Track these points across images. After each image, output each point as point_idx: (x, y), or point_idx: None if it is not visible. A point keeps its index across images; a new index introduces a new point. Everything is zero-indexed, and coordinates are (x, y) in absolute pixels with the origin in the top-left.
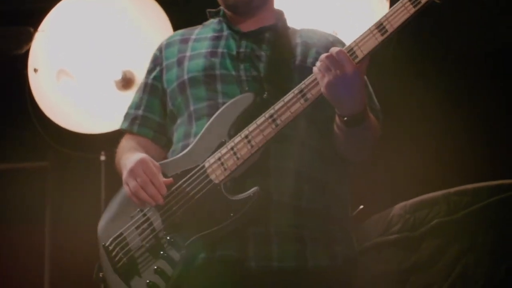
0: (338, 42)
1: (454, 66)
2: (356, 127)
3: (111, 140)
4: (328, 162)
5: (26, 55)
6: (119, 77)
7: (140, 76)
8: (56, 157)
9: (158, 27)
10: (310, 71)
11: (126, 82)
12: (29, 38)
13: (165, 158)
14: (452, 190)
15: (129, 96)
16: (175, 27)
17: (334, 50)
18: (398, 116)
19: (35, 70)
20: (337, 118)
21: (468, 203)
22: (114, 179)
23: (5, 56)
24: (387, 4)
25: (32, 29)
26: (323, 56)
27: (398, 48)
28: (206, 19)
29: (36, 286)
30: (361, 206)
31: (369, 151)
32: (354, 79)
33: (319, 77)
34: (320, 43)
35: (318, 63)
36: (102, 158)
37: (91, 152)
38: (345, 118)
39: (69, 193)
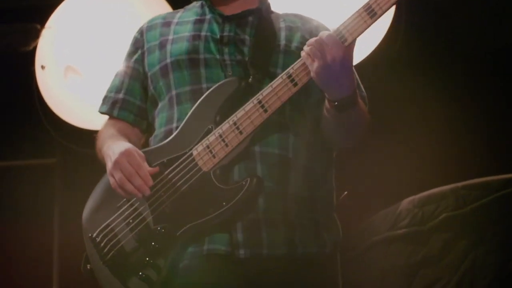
0: (322, 27)
1: (461, 61)
2: (346, 111)
3: None
4: (313, 149)
5: (33, 52)
6: None
7: None
8: (64, 154)
9: None
10: (295, 55)
11: None
12: (36, 35)
13: (145, 143)
14: (460, 184)
15: None
16: None
17: (324, 34)
18: (406, 111)
19: (43, 67)
20: (327, 103)
21: (477, 197)
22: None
23: (13, 53)
24: None
25: (39, 26)
26: (312, 40)
27: (404, 45)
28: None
29: (45, 282)
30: (346, 192)
31: (358, 137)
32: (344, 63)
33: (308, 61)
34: (304, 28)
35: (306, 48)
36: None
37: None
38: (336, 103)
39: (77, 189)
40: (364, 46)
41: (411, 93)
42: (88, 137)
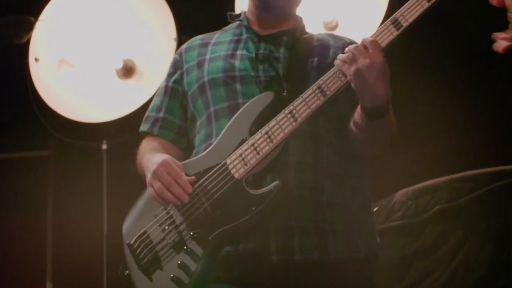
0: (354, 42)
1: (454, 54)
2: (379, 120)
3: (112, 128)
4: (346, 157)
5: (27, 44)
6: (120, 65)
7: (140, 64)
8: (57, 147)
9: (159, 16)
10: (328, 70)
11: (127, 70)
12: (29, 27)
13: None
14: (454, 176)
15: (130, 84)
16: (176, 16)
17: (366, 39)
18: (399, 104)
19: (36, 60)
20: (359, 111)
21: (470, 189)
22: (116, 168)
23: (6, 45)
24: None
25: (32, 19)
26: (351, 46)
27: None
28: (204, 8)
29: (39, 275)
30: (383, 202)
31: (383, 147)
32: (383, 68)
33: (344, 67)
34: (337, 45)
35: (341, 56)
36: (104, 147)
37: (92, 141)
38: (368, 109)
39: (71, 182)
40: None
41: (404, 87)
42: (82, 129)
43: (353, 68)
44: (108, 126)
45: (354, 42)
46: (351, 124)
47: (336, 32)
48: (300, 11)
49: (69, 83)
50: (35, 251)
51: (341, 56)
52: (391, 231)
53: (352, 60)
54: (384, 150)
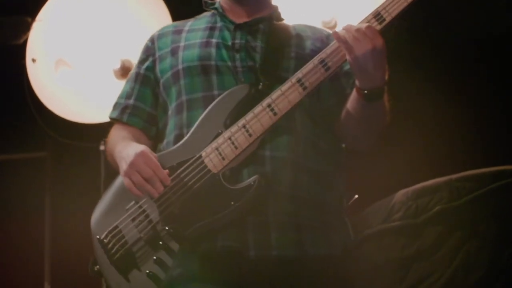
0: (332, 35)
1: (453, 54)
2: (376, 101)
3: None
4: (323, 153)
5: (24, 45)
6: (117, 66)
7: None
8: (55, 147)
9: (156, 16)
10: (306, 62)
11: (124, 71)
12: (26, 28)
13: (154, 149)
14: (454, 176)
15: None
16: (173, 15)
17: (364, 25)
18: (399, 103)
19: (33, 60)
20: (355, 95)
21: (471, 189)
22: (114, 169)
23: (3, 46)
24: None
25: (29, 19)
26: (351, 27)
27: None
28: (202, 8)
29: (36, 276)
30: (356, 196)
31: (376, 134)
32: (384, 51)
33: (345, 47)
34: (315, 36)
35: (344, 33)
36: (102, 147)
37: (90, 141)
38: (366, 92)
39: (69, 183)
40: None
41: (404, 86)
42: (79, 130)
43: (355, 51)
44: (106, 127)
45: (331, 35)
46: (343, 115)
47: None
48: (299, 10)
49: (67, 83)
50: (33, 252)
51: (343, 33)
52: (391, 231)
53: (356, 41)
54: (374, 143)
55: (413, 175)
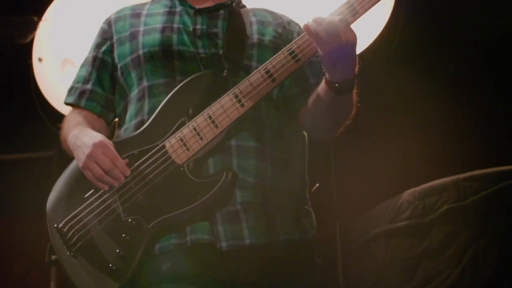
0: (293, 22)
1: (460, 53)
2: (346, 94)
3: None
4: (287, 141)
5: (30, 44)
6: None
7: None
8: (61, 147)
9: None
10: (269, 49)
11: None
12: (33, 27)
13: (111, 135)
14: (461, 176)
15: None
16: None
17: (335, 18)
18: (408, 103)
19: (40, 60)
20: (324, 85)
21: (478, 189)
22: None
23: (10, 45)
24: None
25: (36, 18)
26: (322, 20)
27: (402, 40)
28: None
29: (43, 276)
30: (317, 184)
31: (342, 125)
32: (355, 46)
33: (317, 41)
34: (276, 22)
35: (315, 27)
36: None
37: None
38: (337, 85)
39: None
40: (363, 40)
41: (413, 86)
42: None
43: (327, 45)
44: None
45: (293, 21)
46: (310, 104)
47: None
48: (300, 11)
49: None
50: (40, 251)
51: (313, 25)
52: (399, 231)
53: (328, 35)
54: (339, 132)
55: (421, 174)
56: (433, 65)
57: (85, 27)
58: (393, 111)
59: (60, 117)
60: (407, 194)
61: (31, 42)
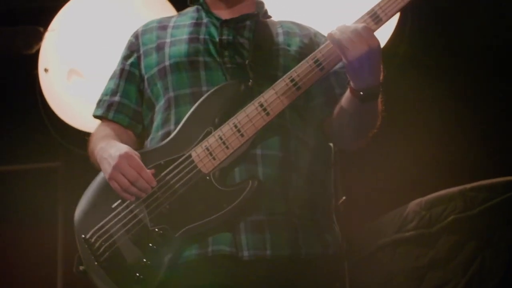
0: (320, 34)
1: (467, 61)
2: (371, 101)
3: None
4: (313, 152)
5: (36, 55)
6: None
7: None
8: (67, 157)
9: None
10: (295, 59)
11: None
12: (39, 37)
13: (139, 147)
14: (468, 186)
15: None
16: None
17: (359, 26)
18: (414, 112)
19: (46, 70)
20: (349, 95)
21: (485, 199)
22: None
23: (16, 56)
24: None
25: (42, 29)
26: (346, 28)
27: (409, 47)
28: None
29: (49, 286)
30: (344, 197)
31: (368, 134)
32: (379, 53)
33: (340, 49)
34: (303, 33)
35: (339, 35)
36: None
37: None
38: (361, 93)
39: (81, 193)
40: None
41: (419, 94)
42: None
43: (350, 53)
44: None
45: (319, 33)
46: (335, 114)
47: None
48: (304, 20)
49: (79, 93)
50: (46, 262)
51: (337, 33)
52: (405, 241)
53: (351, 43)
54: (365, 143)
55: (428, 184)
56: (439, 74)
57: (91, 37)
58: (398, 121)
59: (66, 127)
60: (413, 204)
61: (37, 52)
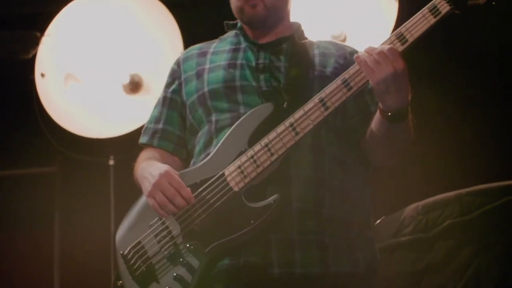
0: (355, 52)
1: (466, 66)
2: (399, 123)
3: (119, 144)
4: (348, 170)
5: (33, 59)
6: (126, 81)
7: (147, 79)
8: (64, 162)
9: (165, 30)
10: (330, 80)
11: (134, 85)
12: (35, 42)
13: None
14: (464, 190)
15: (137, 99)
16: (182, 29)
17: (386, 47)
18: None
19: (42, 75)
20: (379, 117)
21: (481, 203)
22: (123, 184)
23: (12, 61)
24: (396, 4)
25: (38, 34)
26: (373, 50)
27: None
28: (212, 23)
29: None
30: (383, 217)
31: (402, 153)
32: (405, 74)
33: (366, 70)
34: (338, 54)
35: (366, 57)
36: (111, 162)
37: (99, 156)
38: (389, 114)
39: (78, 198)
40: None
41: (415, 99)
42: (88, 145)
43: (377, 75)
44: (115, 142)
45: (355, 51)
46: (368, 134)
47: None
48: (308, 24)
49: (76, 98)
50: (43, 266)
51: (364, 56)
52: (401, 246)
53: (377, 65)
54: (399, 160)
55: (424, 189)
56: (438, 80)
57: (87, 42)
58: None
59: (62, 132)
60: (410, 209)
61: (34, 57)
